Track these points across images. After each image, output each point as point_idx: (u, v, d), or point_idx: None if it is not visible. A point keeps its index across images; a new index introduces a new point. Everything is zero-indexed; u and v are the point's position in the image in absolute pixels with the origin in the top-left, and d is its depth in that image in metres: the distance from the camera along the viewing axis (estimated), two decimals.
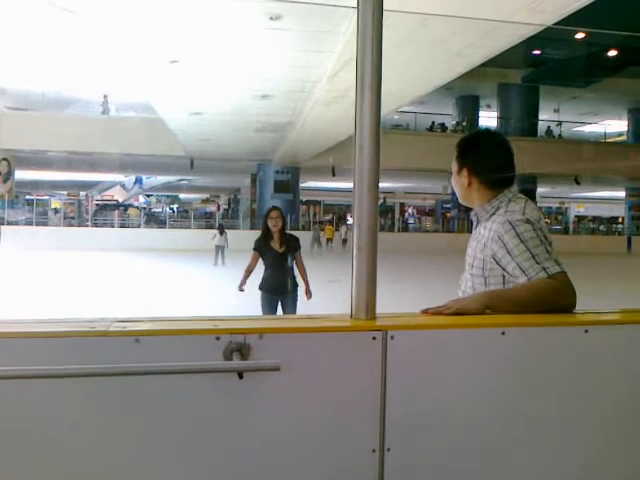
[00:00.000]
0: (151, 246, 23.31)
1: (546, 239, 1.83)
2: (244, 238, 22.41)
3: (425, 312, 1.62)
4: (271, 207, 5.91)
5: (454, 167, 2.09)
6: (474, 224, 2.08)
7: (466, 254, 2.06)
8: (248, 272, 5.89)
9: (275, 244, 5.68)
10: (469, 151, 2.06)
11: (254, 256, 5.80)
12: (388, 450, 1.43)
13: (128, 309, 8.53)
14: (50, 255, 19.59)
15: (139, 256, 20.83)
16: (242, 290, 5.91)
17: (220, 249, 18.11)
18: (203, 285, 13.64)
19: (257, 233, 6.00)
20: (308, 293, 5.89)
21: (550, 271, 1.75)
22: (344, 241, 26.64)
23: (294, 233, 6.10)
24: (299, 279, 5.90)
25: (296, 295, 5.78)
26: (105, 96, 26.28)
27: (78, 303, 9.60)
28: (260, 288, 5.76)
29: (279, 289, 5.69)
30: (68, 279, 13.80)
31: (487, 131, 2.17)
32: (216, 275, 15.59)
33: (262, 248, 5.73)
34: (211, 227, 29.03)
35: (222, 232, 18.45)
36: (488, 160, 2.02)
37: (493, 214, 1.95)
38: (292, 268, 5.78)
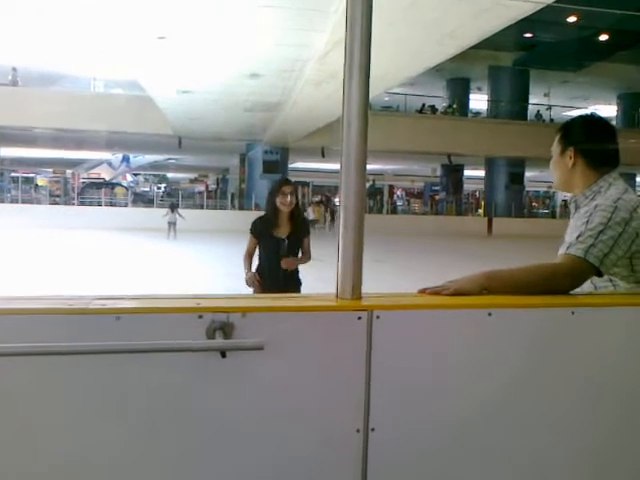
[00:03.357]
0: (138, 225, 23.12)
1: (618, 225, 1.76)
2: (230, 219, 22.62)
3: (422, 292, 1.61)
4: (282, 179, 4.68)
5: (556, 150, 2.06)
6: (572, 211, 2.04)
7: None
8: (249, 257, 4.59)
9: (279, 230, 4.40)
10: (577, 130, 2.04)
11: (251, 240, 4.56)
12: (372, 430, 1.43)
13: (105, 282, 8.50)
14: (35, 233, 19.40)
15: (123, 235, 20.72)
16: (255, 282, 4.34)
17: (172, 225, 20.79)
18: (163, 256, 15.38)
19: (244, 214, 5.28)
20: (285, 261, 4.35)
21: (570, 251, 1.75)
22: (311, 221, 26.77)
23: None
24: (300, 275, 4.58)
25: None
26: (14, 68, 24.76)
27: (59, 281, 9.53)
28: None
29: (277, 286, 4.30)
30: (52, 257, 13.69)
31: (592, 114, 2.18)
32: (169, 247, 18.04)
33: (261, 234, 4.47)
34: (201, 207, 29.19)
35: (173, 210, 21.35)
36: (596, 138, 2.01)
37: (592, 199, 1.93)
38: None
